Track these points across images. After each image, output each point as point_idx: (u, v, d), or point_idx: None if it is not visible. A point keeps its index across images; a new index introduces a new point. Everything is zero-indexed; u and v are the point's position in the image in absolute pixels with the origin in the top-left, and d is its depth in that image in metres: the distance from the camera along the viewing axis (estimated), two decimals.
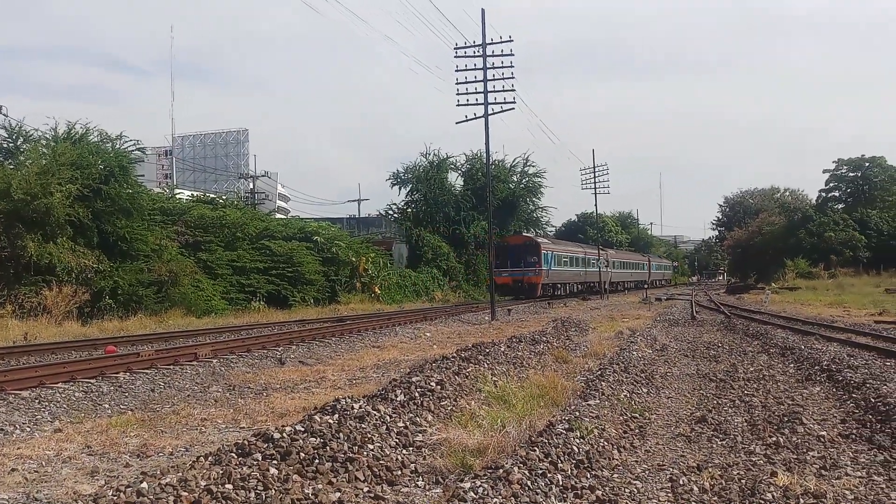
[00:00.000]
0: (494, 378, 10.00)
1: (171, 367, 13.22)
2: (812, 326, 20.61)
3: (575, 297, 49.36)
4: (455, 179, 64.07)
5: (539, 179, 67.69)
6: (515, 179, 67.30)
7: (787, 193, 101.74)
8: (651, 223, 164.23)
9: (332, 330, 20.78)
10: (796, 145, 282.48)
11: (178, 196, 37.35)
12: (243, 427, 8.39)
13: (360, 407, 7.19)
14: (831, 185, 76.47)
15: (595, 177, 57.36)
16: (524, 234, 53.55)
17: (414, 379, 8.95)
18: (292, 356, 15.58)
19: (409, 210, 59.06)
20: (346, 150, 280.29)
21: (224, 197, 44.69)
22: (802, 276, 57.09)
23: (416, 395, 8.26)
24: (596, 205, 58.94)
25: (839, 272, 57.14)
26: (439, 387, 8.74)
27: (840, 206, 75.17)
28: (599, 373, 10.80)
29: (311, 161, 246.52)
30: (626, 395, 9.38)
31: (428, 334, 21.42)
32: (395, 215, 60.60)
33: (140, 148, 31.40)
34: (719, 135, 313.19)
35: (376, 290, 40.76)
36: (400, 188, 59.62)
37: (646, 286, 72.37)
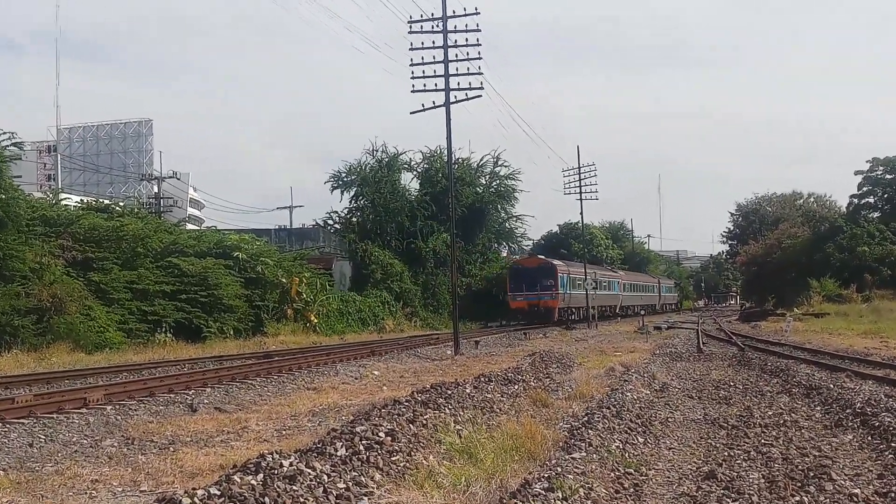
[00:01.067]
0: (458, 426, 9.99)
1: (55, 415, 12.93)
2: (842, 361, 20.98)
3: (558, 328, 49.77)
4: (410, 182, 64.28)
5: (513, 182, 68.17)
6: (484, 182, 67.68)
7: (812, 200, 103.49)
8: (648, 235, 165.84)
9: (256, 368, 20.56)
10: (821, 143, 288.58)
11: (63, 202, 36.77)
12: (144, 490, 8.26)
13: (291, 464, 7.10)
14: (865, 189, 76.05)
15: (581, 179, 57.78)
16: (539, 256, 59.43)
17: (358, 429, 8.88)
18: (207, 401, 15.38)
19: (354, 219, 59.02)
20: (275, 146, 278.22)
21: (122, 203, 44.18)
22: (831, 300, 57.53)
23: (361, 448, 8.18)
24: (581, 213, 59.39)
25: (875, 295, 57.23)
26: (390, 438, 8.68)
27: (875, 214, 75.38)
28: (586, 419, 10.86)
29: (231, 160, 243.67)
30: (618, 447, 9.43)
31: (376, 373, 21.31)
32: (336, 226, 60.53)
33: (16, 143, 30.88)
34: (729, 133, 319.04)
35: (312, 318, 40.52)
36: (342, 192, 59.67)
37: (651, 311, 76.60)
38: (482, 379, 14.97)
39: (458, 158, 65.26)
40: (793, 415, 12.34)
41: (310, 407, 14.51)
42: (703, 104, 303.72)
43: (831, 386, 14.99)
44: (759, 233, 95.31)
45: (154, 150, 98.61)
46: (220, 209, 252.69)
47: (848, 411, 12.11)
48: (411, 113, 31.01)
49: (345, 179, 59.32)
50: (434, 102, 30.38)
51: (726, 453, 9.60)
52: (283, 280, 40.01)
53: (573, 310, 56.61)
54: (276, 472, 6.85)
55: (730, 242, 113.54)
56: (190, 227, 53.43)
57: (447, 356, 27.76)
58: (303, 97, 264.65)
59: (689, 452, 9.91)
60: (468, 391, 13.07)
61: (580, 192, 57.76)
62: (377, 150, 60.68)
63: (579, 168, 57.99)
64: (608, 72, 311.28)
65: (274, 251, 44.11)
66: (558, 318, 52.68)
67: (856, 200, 77.03)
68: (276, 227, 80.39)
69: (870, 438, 10.26)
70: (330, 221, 61.15)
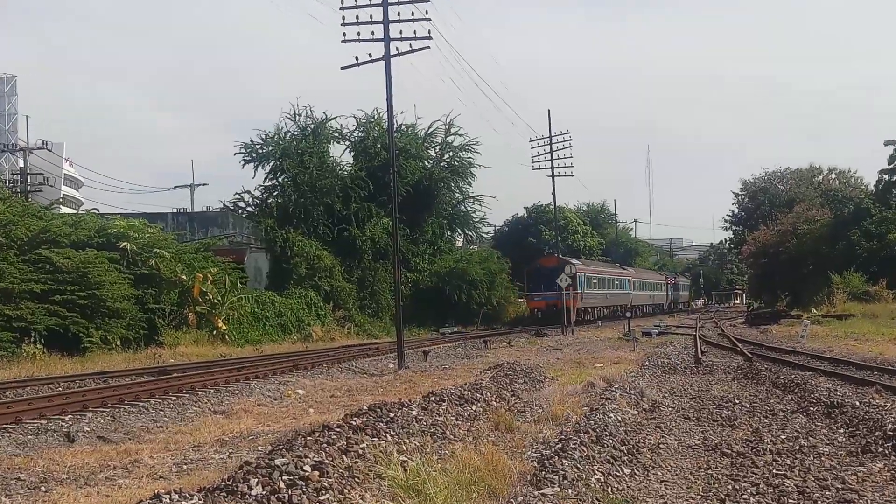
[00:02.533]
0: (403, 457, 9.99)
1: None
2: (871, 373, 21.34)
3: (526, 334, 50.11)
4: (342, 154, 64.11)
5: (469, 155, 68.38)
6: (434, 155, 67.86)
7: (833, 176, 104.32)
8: (635, 221, 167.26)
9: (150, 388, 20.34)
10: (843, 108, 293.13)
11: None
12: None
13: None
14: None
15: (552, 150, 58.09)
16: (556, 255, 67.66)
17: (278, 461, 8.85)
18: (88, 429, 15.22)
19: (272, 201, 58.70)
20: (172, 111, 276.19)
21: None
22: (856, 298, 57.67)
23: (282, 485, 8.17)
24: (554, 192, 59.94)
25: None
26: (317, 472, 8.67)
27: None
28: (560, 446, 10.92)
29: (116, 128, 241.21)
30: (598, 480, 9.51)
31: (301, 392, 21.26)
32: (250, 209, 60.05)
33: None
34: (734, 99, 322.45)
35: (220, 324, 40.23)
36: (256, 167, 59.29)
37: (660, 311, 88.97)
38: (432, 398, 14.99)
39: (401, 125, 65.37)
40: (811, 439, 12.53)
41: (217, 435, 14.43)
42: (701, 59, 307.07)
43: (857, 403, 15.14)
44: (769, 216, 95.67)
45: (19, 115, 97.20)
46: (103, 188, 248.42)
47: (878, 434, 12.26)
48: (342, 68, 30.98)
49: (260, 151, 58.84)
50: (371, 55, 30.35)
51: (730, 487, 9.73)
52: (184, 277, 39.65)
53: (590, 309, 68.35)
54: None
55: (734, 229, 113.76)
56: (65, 210, 52.73)
57: (389, 370, 27.74)
58: (208, 52, 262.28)
59: (686, 486, 10.03)
60: (415, 413, 13.09)
61: (551, 167, 58.07)
62: (299, 115, 60.34)
63: (550, 137, 58.35)
64: (586, 7, 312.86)
65: (171, 241, 43.62)
66: (577, 319, 61.10)
67: (886, 177, 75.62)
68: (174, 210, 79.70)
69: None
70: (241, 204, 60.73)
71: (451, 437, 12.35)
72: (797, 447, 11.79)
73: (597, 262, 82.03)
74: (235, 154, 59.51)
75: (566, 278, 53.36)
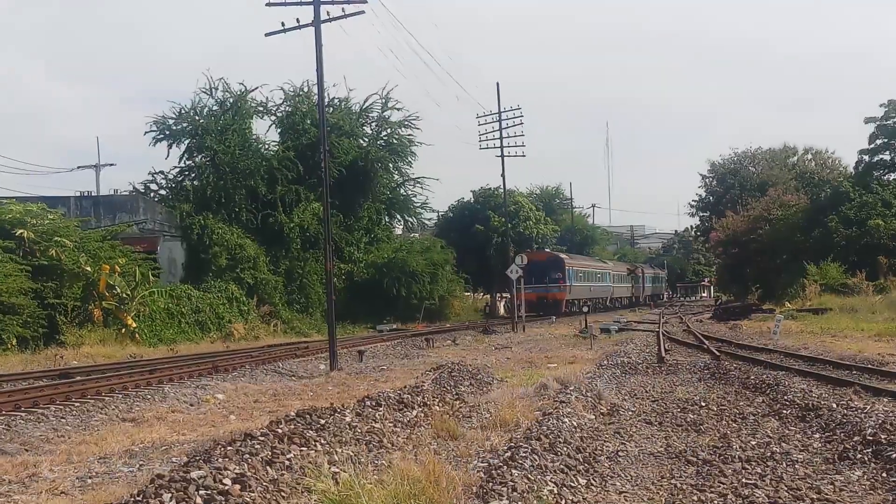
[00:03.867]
0: (335, 468, 9.99)
1: None
2: (849, 372, 21.69)
3: (473, 331, 50.33)
4: (267, 131, 63.79)
5: (409, 133, 68.34)
6: (370, 132, 67.81)
7: (809, 157, 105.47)
8: (593, 206, 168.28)
9: (50, 393, 20.16)
10: (821, 79, 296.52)
11: None
12: None
13: None
14: (879, 142, 75.57)
15: (501, 127, 58.16)
16: (546, 249, 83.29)
17: (194, 474, 8.81)
18: None
19: (188, 183, 58.21)
20: (72, 83, 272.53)
21: None
22: (834, 291, 58.13)
23: (199, 501, 8.14)
24: (503, 174, 59.62)
25: (891, 283, 58.21)
26: (238, 486, 8.65)
27: (893, 176, 75.79)
28: (509, 454, 10.95)
29: (7, 101, 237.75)
30: (552, 491, 9.55)
31: (221, 396, 21.16)
32: (163, 192, 59.53)
33: None
34: (705, 65, 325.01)
35: (130, 321, 39.89)
36: (170, 146, 58.71)
37: (637, 303, 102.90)
38: (368, 403, 15.00)
39: (333, 99, 65.30)
40: (783, 445, 12.68)
41: (126, 445, 14.32)
42: (666, 22, 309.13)
43: (834, 405, 15.35)
44: (739, 201, 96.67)
45: None
46: None
47: (856, 439, 12.44)
48: (267, 35, 30.80)
49: (173, 128, 58.24)
50: (298, 20, 30.21)
51: (696, 498, 9.82)
52: (88, 269, 39.23)
53: (576, 301, 78.39)
54: None
55: (700, 215, 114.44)
56: None
57: (320, 372, 27.70)
58: (111, 17, 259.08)
59: (647, 497, 10.11)
60: (349, 420, 13.09)
61: (501, 146, 58.09)
62: (216, 88, 59.80)
63: (500, 112, 58.44)
64: None
65: (74, 228, 43.13)
66: (565, 310, 74.32)
67: (866, 157, 76.68)
68: (78, 193, 78.55)
69: (885, 475, 10.61)
70: (154, 186, 60.20)
71: (389, 445, 12.35)
72: (769, 454, 11.92)
73: (581, 257, 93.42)
74: (146, 133, 58.92)
75: (516, 269, 53.59)
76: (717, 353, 28.10)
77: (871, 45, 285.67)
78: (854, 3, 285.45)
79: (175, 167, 59.36)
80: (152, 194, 60.33)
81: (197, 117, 58.12)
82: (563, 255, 79.32)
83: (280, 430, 11.49)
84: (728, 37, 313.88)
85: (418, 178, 72.08)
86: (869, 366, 22.63)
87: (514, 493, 9.02)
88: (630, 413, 16.54)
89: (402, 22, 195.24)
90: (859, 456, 11.57)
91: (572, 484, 10.18)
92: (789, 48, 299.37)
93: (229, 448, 10.39)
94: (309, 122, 61.36)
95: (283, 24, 30.34)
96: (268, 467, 9.55)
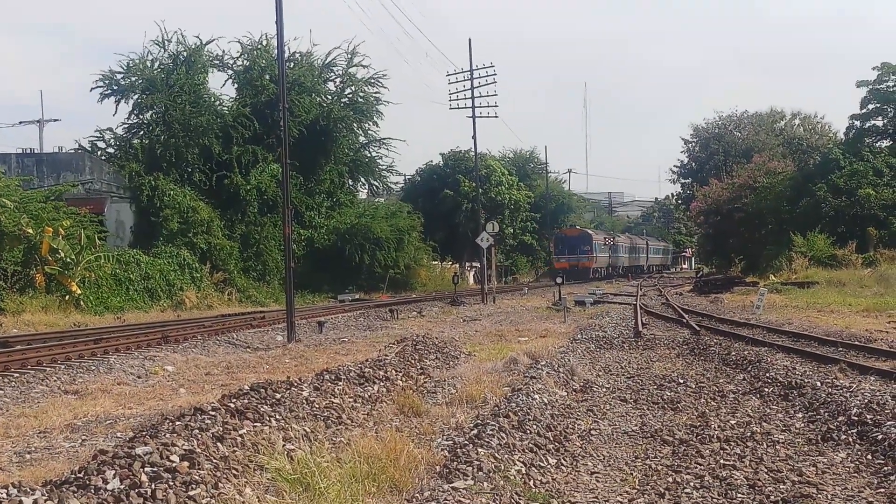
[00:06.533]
0: (289, 445, 9.96)
1: None
2: (835, 349, 21.73)
3: (440, 302, 50.41)
4: (223, 86, 63.40)
5: (375, 91, 68.02)
6: (333, 90, 67.49)
7: (798, 122, 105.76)
8: (569, 171, 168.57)
9: None
10: (811, 43, 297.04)
11: None
12: None
13: (37, 503, 6.96)
14: (871, 107, 75.53)
15: (473, 87, 58.01)
16: (577, 227, 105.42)
17: (140, 450, 8.74)
18: None
19: (137, 141, 57.76)
20: (12, 33, 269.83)
21: None
22: (821, 263, 58.11)
23: (144, 478, 8.08)
24: (475, 136, 59.10)
25: (881, 256, 58.09)
26: (187, 463, 8.59)
27: (885, 143, 75.48)
28: (475, 432, 10.96)
29: None
30: (519, 472, 9.56)
31: (170, 368, 21.08)
32: (111, 150, 59.06)
33: None
34: (689, 29, 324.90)
35: (74, 288, 39.69)
36: (118, 102, 58.00)
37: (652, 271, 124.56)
38: (327, 377, 14.96)
39: (294, 53, 64.98)
40: (764, 424, 12.75)
41: (68, 419, 14.24)
42: None
43: (818, 384, 15.41)
44: (723, 168, 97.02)
45: None
46: None
47: (841, 419, 12.53)
48: None
49: (121, 83, 57.54)
50: None
51: (671, 479, 9.85)
52: (30, 231, 38.97)
53: (600, 269, 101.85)
54: None
55: (682, 182, 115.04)
56: None
57: (277, 344, 27.64)
58: None
59: (621, 478, 10.13)
60: (306, 394, 13.05)
61: (472, 106, 57.93)
62: (170, 41, 59.19)
63: (471, 70, 58.27)
64: None
65: (15, 187, 42.84)
66: (592, 277, 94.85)
67: (858, 123, 76.57)
68: (19, 150, 78.00)
69: (870, 457, 10.66)
70: (101, 144, 59.65)
71: (349, 422, 12.33)
72: (748, 434, 11.97)
73: (602, 231, 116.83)
74: (93, 89, 58.04)
75: (487, 237, 53.65)
76: (697, 328, 28.19)
77: (866, 8, 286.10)
78: None
79: (123, 124, 58.85)
80: (99, 153, 59.82)
81: (146, 71, 57.46)
82: (590, 231, 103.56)
83: (232, 405, 11.42)
84: None
85: (384, 139, 71.89)
86: (856, 342, 22.63)
87: (480, 473, 9.02)
88: (604, 390, 16.59)
89: None
90: (843, 437, 11.63)
91: (541, 464, 10.19)
92: (781, 10, 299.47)
93: (178, 423, 10.32)
94: (268, 77, 61.00)
95: None
96: (218, 444, 9.49)
